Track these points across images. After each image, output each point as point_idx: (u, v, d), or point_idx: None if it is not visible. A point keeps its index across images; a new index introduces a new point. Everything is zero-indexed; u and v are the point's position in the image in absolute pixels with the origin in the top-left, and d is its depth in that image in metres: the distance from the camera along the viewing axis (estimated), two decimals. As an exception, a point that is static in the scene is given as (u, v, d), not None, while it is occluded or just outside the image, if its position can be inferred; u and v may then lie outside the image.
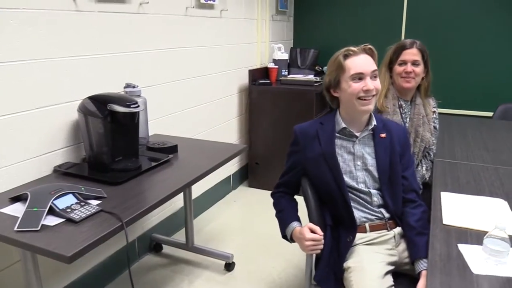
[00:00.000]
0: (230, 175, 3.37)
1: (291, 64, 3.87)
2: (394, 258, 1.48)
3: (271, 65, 3.53)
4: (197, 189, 2.92)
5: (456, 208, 1.45)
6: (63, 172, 1.76)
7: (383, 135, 1.56)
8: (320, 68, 3.91)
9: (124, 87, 2.09)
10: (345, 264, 1.43)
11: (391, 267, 1.45)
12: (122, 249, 2.28)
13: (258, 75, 3.38)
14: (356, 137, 1.53)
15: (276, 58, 3.56)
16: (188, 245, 2.42)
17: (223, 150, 2.12)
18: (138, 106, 1.78)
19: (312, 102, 3.09)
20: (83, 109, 1.76)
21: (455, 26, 3.70)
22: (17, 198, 1.47)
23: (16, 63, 1.60)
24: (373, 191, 1.52)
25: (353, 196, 1.52)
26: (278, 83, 3.45)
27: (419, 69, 1.97)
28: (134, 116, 1.79)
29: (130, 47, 2.16)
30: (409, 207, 1.54)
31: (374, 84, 1.46)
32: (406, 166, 1.59)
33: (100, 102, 1.74)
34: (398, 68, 1.98)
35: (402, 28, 3.85)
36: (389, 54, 2.03)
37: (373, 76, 1.47)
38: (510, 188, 1.64)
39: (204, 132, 2.92)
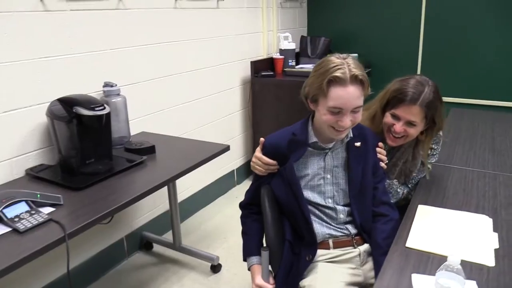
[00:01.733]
0: (233, 170, 3.30)
1: (301, 54, 3.70)
2: (358, 278, 1.35)
3: (277, 55, 3.38)
4: (198, 184, 2.88)
5: (428, 226, 1.30)
6: (34, 176, 1.75)
7: (358, 144, 1.40)
8: (333, 57, 3.71)
9: (103, 86, 2.05)
10: (301, 283, 1.32)
11: (353, 288, 1.32)
12: (109, 247, 2.28)
13: (262, 67, 3.24)
14: (329, 148, 1.38)
15: (282, 48, 3.40)
16: (175, 245, 2.38)
17: (204, 150, 2.04)
18: (104, 108, 1.73)
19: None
20: (50, 113, 1.73)
21: (475, 15, 3.37)
22: (-27, 205, 1.47)
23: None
24: (340, 208, 1.39)
25: (317, 212, 1.39)
26: (283, 75, 3.31)
27: (414, 131, 1.48)
28: (101, 119, 1.74)
29: (110, 45, 2.11)
30: (379, 222, 1.40)
31: (353, 119, 1.26)
32: (381, 178, 1.45)
33: (67, 104, 1.71)
34: (388, 118, 1.51)
35: (421, 18, 3.56)
36: (389, 95, 1.51)
37: (354, 112, 1.26)
38: (502, 200, 1.45)
39: (205, 127, 2.85)
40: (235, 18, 3.04)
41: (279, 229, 1.41)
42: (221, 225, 2.76)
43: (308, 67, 3.46)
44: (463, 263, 1.10)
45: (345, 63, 1.23)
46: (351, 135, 1.38)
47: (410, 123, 1.47)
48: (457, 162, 1.80)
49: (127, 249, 2.41)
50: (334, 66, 1.23)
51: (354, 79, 1.22)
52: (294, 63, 3.44)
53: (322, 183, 1.38)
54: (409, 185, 1.65)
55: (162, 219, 2.59)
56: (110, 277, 2.26)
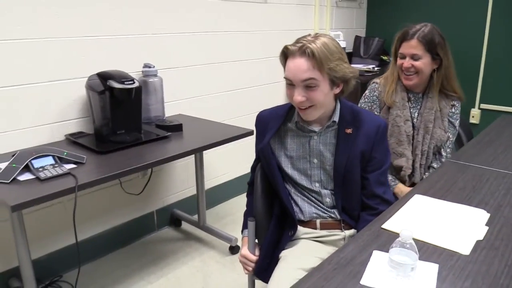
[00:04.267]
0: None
1: (353, 54, 3.66)
2: (339, 260, 1.33)
3: (325, 53, 3.36)
4: (231, 173, 2.98)
5: (414, 213, 1.25)
6: (71, 140, 1.97)
7: (349, 130, 1.34)
8: (387, 58, 3.61)
9: (142, 67, 2.23)
10: (280, 254, 1.35)
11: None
12: (139, 218, 2.46)
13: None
14: (314, 132, 1.36)
15: (332, 46, 3.38)
16: (200, 224, 2.50)
17: (227, 132, 2.13)
18: (134, 83, 1.90)
19: (356, 92, 2.87)
20: (88, 85, 1.94)
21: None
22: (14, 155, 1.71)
23: (31, 41, 1.84)
24: (325, 191, 1.38)
25: (305, 193, 1.40)
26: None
27: (420, 63, 1.68)
28: (131, 92, 1.91)
29: (153, 30, 2.30)
30: (366, 212, 1.36)
31: (307, 96, 1.23)
32: (374, 168, 1.37)
33: (103, 78, 1.90)
34: (399, 62, 1.74)
35: (486, 21, 3.33)
36: (395, 44, 1.76)
37: (306, 86, 1.23)
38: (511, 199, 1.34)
39: (243, 117, 2.92)
40: (284, 14, 3.10)
41: (269, 203, 1.44)
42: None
43: (359, 67, 3.42)
44: (437, 249, 1.06)
45: (309, 40, 1.21)
46: (335, 118, 1.34)
47: (413, 57, 1.68)
48: (479, 161, 1.68)
49: (157, 222, 2.58)
50: (295, 41, 1.24)
51: (303, 52, 1.20)
52: (343, 62, 3.40)
53: (308, 167, 1.38)
54: (444, 152, 1.81)
55: (193, 200, 2.72)
56: (136, 246, 2.43)
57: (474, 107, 3.52)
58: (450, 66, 1.74)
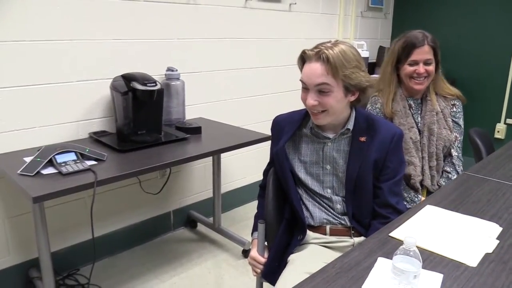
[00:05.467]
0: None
1: (377, 64, 3.64)
2: (347, 267, 1.33)
3: (348, 62, 3.36)
4: (249, 177, 3.01)
5: (424, 224, 1.24)
6: (95, 139, 2.05)
7: (363, 138, 1.35)
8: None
9: (166, 70, 2.30)
10: (288, 258, 1.36)
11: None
12: (156, 217, 2.52)
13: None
14: (329, 138, 1.38)
15: (355, 56, 3.38)
16: (215, 226, 2.53)
17: (246, 136, 2.17)
18: (156, 85, 1.96)
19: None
20: (112, 86, 2.01)
21: None
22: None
23: (61, 42, 1.93)
24: (336, 198, 1.38)
25: (316, 198, 1.41)
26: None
27: (432, 67, 1.74)
28: (153, 94, 1.97)
29: (177, 35, 2.37)
30: (377, 221, 1.36)
31: (320, 100, 1.26)
32: (387, 177, 1.36)
33: (127, 79, 1.97)
34: (408, 69, 1.74)
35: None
36: (396, 52, 1.77)
37: (320, 91, 1.25)
38: (528, 215, 1.31)
39: (263, 123, 2.95)
40: (308, 23, 3.13)
41: (280, 207, 1.46)
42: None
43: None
44: (444, 259, 1.06)
45: (326, 47, 1.24)
46: (350, 126, 1.34)
47: (427, 62, 1.72)
48: (497, 175, 1.65)
49: (173, 222, 2.63)
50: (314, 46, 1.27)
51: (319, 57, 1.23)
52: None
53: (321, 172, 1.39)
54: (455, 153, 1.83)
55: (209, 203, 2.76)
56: (152, 244, 2.49)
57: (499, 122, 3.44)
58: (440, 70, 1.82)
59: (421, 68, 1.72)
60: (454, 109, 1.85)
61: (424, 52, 1.71)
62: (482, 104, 3.46)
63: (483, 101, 3.47)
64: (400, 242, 1.12)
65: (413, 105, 1.82)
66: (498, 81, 3.38)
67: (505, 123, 3.42)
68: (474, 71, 3.51)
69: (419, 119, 1.81)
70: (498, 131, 3.43)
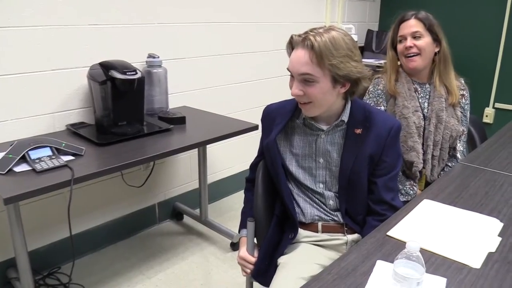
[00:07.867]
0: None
1: (365, 48, 3.56)
2: (341, 267, 1.27)
3: (336, 47, 3.27)
4: (236, 167, 2.93)
5: (423, 220, 1.19)
6: (72, 131, 1.93)
7: (358, 130, 1.27)
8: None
9: (147, 57, 2.18)
10: (279, 260, 1.29)
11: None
12: (141, 210, 2.43)
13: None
14: (322, 130, 1.29)
15: (343, 40, 3.29)
16: (201, 218, 2.46)
17: (232, 126, 2.08)
18: (136, 73, 1.84)
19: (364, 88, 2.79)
20: (89, 75, 1.89)
21: None
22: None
23: (33, 28, 1.79)
24: (328, 193, 1.31)
25: (308, 193, 1.34)
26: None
27: (422, 42, 1.65)
28: (133, 83, 1.85)
29: (158, 19, 2.23)
30: (372, 218, 1.29)
31: (304, 90, 1.17)
32: (383, 172, 1.29)
33: (105, 68, 1.85)
34: (399, 46, 1.70)
35: (504, 17, 3.20)
36: (391, 33, 1.74)
37: (305, 80, 1.16)
38: (527, 209, 1.26)
39: (250, 110, 2.85)
40: (295, 5, 3.02)
41: (269, 203, 1.38)
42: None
43: (370, 61, 3.33)
44: (446, 260, 1.00)
45: (316, 33, 1.14)
46: (345, 118, 1.26)
47: (414, 36, 1.65)
48: (493, 165, 1.60)
49: (158, 215, 2.54)
50: (304, 32, 1.18)
51: (303, 43, 1.14)
52: (354, 56, 3.31)
53: (314, 166, 1.32)
54: (461, 147, 1.78)
55: (195, 194, 2.68)
56: (137, 238, 2.40)
57: (488, 106, 3.41)
58: (448, 53, 1.72)
59: (407, 43, 1.65)
60: (463, 100, 1.79)
61: (409, 26, 1.66)
62: (471, 88, 3.42)
63: (472, 86, 3.39)
64: (400, 243, 1.07)
65: (419, 90, 1.74)
66: (487, 66, 3.34)
67: (493, 107, 3.39)
68: (462, 55, 3.45)
69: (425, 104, 1.73)
70: (486, 116, 3.41)
